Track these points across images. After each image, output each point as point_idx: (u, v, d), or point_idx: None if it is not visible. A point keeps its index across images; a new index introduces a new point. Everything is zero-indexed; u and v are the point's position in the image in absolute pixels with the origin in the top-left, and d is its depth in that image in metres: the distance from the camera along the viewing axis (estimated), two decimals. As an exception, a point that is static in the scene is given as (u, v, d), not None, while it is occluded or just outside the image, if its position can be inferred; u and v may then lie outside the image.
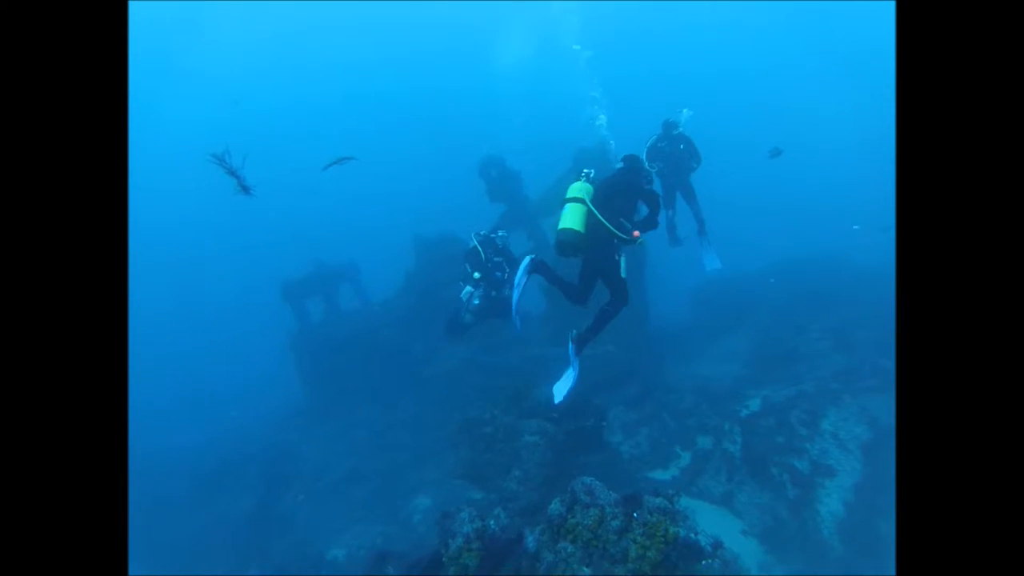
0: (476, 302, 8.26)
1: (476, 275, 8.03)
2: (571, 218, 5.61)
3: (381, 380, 14.96)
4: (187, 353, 34.23)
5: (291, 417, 16.54)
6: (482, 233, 8.49)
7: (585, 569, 4.90)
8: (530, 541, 5.26)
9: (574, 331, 6.32)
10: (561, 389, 6.58)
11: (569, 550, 5.05)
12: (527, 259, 6.41)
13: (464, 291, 8.26)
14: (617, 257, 5.84)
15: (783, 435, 8.38)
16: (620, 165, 6.29)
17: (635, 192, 5.96)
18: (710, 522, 6.86)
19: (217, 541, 11.80)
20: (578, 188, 5.80)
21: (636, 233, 5.66)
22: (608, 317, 6.08)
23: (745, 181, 30.79)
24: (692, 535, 5.21)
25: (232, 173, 4.20)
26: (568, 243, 5.69)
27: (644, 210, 5.99)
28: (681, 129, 9.41)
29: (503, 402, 9.57)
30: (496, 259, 8.49)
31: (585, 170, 6.05)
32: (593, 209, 5.63)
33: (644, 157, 7.54)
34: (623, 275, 5.92)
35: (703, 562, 5.06)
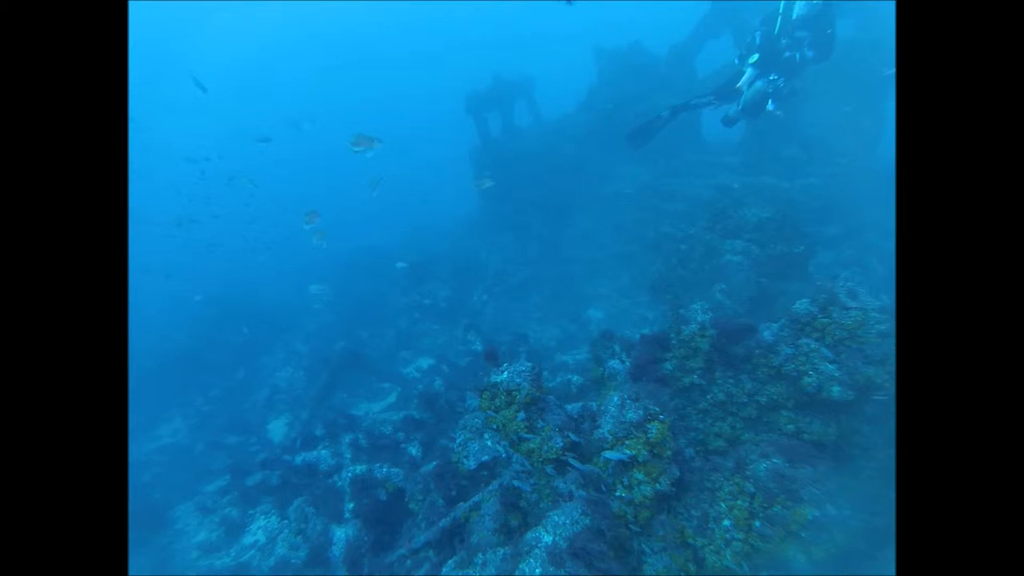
0: (754, 92, 6.26)
1: (754, 57, 6.18)
2: None
3: (556, 196, 15.24)
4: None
5: (472, 225, 17.97)
6: None
7: (829, 366, 4.92)
8: (767, 334, 5.35)
9: None
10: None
11: (812, 346, 5.05)
12: None
13: (743, 77, 6.35)
14: None
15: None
16: None
17: None
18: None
19: (430, 316, 14.08)
20: None
21: None
22: None
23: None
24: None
25: None
26: None
27: None
28: None
29: (704, 220, 9.26)
30: (799, 33, 6.05)
31: None
32: None
33: None
34: None
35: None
